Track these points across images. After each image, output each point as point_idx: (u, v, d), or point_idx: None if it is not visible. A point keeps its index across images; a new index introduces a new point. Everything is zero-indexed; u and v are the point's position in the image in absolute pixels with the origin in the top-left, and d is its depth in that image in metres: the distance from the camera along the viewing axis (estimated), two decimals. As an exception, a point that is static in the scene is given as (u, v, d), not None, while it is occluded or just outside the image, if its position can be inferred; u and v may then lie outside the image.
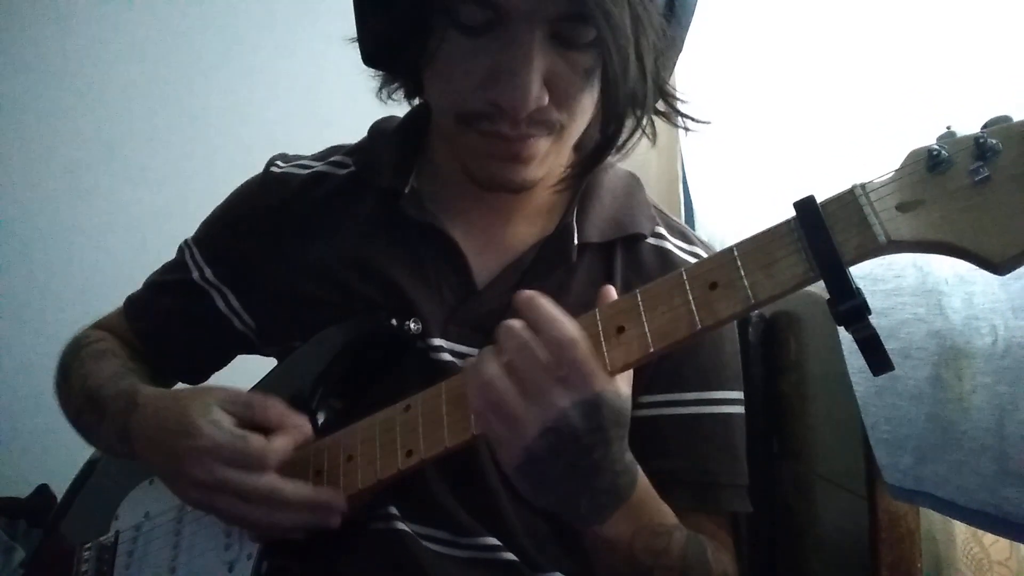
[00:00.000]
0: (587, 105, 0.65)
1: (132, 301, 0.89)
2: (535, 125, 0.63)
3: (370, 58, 0.69)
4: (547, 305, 0.54)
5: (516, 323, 0.54)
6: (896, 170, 0.50)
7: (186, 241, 0.86)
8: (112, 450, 0.79)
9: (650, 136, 0.70)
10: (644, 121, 0.67)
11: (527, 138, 0.63)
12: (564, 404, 0.51)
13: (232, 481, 0.61)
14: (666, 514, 0.65)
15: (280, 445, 0.63)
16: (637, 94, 0.62)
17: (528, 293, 0.55)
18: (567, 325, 0.53)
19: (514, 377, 0.53)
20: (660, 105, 0.70)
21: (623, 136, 0.66)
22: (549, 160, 0.67)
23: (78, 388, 0.79)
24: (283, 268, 0.76)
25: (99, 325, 0.90)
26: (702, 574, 0.65)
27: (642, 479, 0.61)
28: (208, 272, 0.82)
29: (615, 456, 0.56)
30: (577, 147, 0.70)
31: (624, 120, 0.64)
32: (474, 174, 0.68)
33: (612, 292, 0.59)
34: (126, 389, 0.73)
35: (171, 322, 0.84)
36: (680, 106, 0.71)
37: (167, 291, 0.85)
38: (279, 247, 0.77)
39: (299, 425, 0.66)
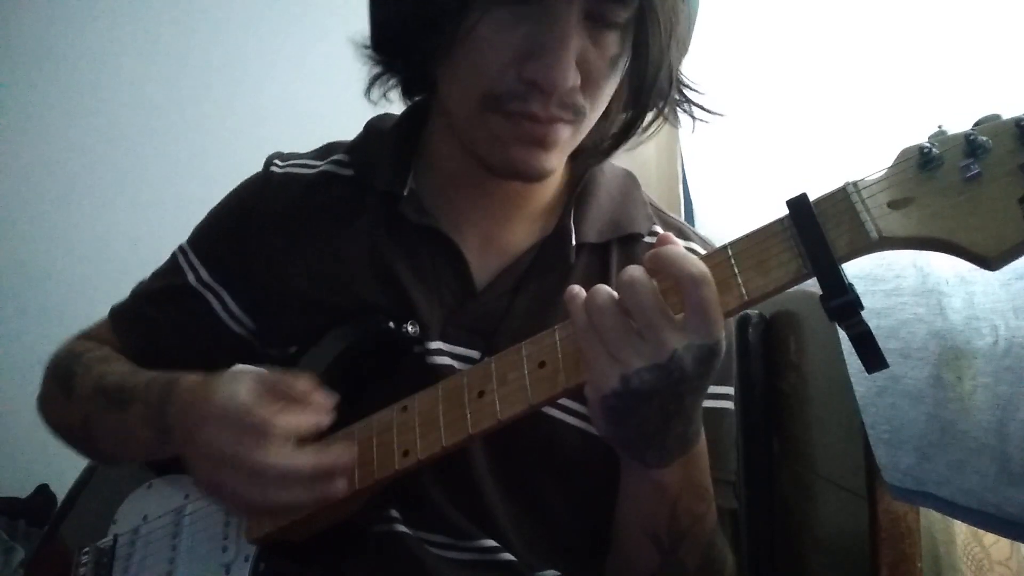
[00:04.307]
0: (608, 94, 0.65)
1: (119, 312, 0.84)
2: (563, 108, 0.62)
3: (385, 43, 0.67)
4: (674, 248, 0.52)
5: (632, 267, 0.53)
6: (887, 168, 0.50)
7: (180, 246, 0.83)
8: (127, 447, 0.72)
9: (674, 123, 0.70)
10: (665, 110, 0.68)
11: (555, 121, 0.63)
12: (678, 346, 0.50)
13: (228, 452, 0.57)
14: (709, 484, 0.64)
15: (288, 420, 0.59)
16: (662, 82, 0.63)
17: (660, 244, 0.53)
18: (696, 261, 0.50)
19: (626, 313, 0.51)
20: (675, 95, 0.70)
21: (644, 123, 0.67)
22: (566, 150, 0.67)
23: (89, 390, 0.74)
24: (285, 270, 0.75)
25: (88, 336, 0.84)
26: (721, 558, 0.65)
27: (702, 436, 0.61)
28: (204, 273, 0.79)
29: (698, 405, 0.55)
30: (580, 146, 0.70)
31: (648, 107, 0.64)
32: (489, 160, 0.66)
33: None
34: (159, 377, 0.69)
35: (163, 331, 0.80)
36: (694, 97, 0.72)
37: (158, 298, 0.82)
38: (282, 248, 0.76)
39: (319, 403, 0.62)
